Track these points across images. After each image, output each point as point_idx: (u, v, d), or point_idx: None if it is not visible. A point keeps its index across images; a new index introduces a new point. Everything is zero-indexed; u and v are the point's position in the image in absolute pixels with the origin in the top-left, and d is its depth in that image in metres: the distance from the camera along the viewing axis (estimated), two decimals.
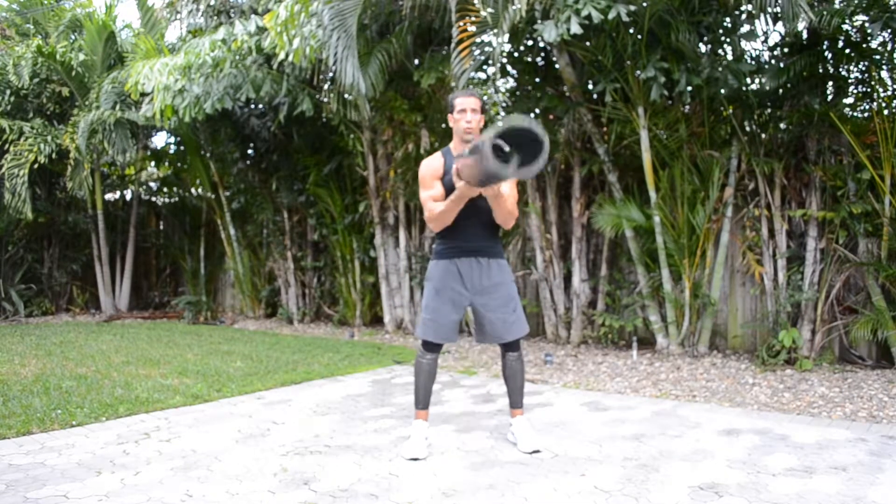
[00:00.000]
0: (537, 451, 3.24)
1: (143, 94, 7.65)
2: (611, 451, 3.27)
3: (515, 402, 3.42)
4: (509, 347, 3.35)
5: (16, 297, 10.17)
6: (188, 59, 6.65)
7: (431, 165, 3.25)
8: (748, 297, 6.06)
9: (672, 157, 5.86)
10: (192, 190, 11.22)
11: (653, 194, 5.77)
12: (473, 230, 3.23)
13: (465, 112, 3.17)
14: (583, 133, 6.47)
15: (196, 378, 5.10)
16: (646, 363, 5.65)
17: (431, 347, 3.29)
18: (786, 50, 5.65)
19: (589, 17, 4.51)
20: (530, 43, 6.56)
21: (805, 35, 5.42)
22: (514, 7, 4.70)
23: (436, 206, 3.14)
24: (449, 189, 3.15)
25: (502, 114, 7.93)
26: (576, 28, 4.50)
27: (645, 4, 5.06)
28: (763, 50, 5.91)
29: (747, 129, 5.78)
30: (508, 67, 6.94)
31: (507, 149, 2.36)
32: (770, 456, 3.17)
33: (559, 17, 4.62)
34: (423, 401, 3.34)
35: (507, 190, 3.17)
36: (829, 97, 5.57)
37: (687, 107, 5.95)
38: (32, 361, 5.82)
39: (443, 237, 3.28)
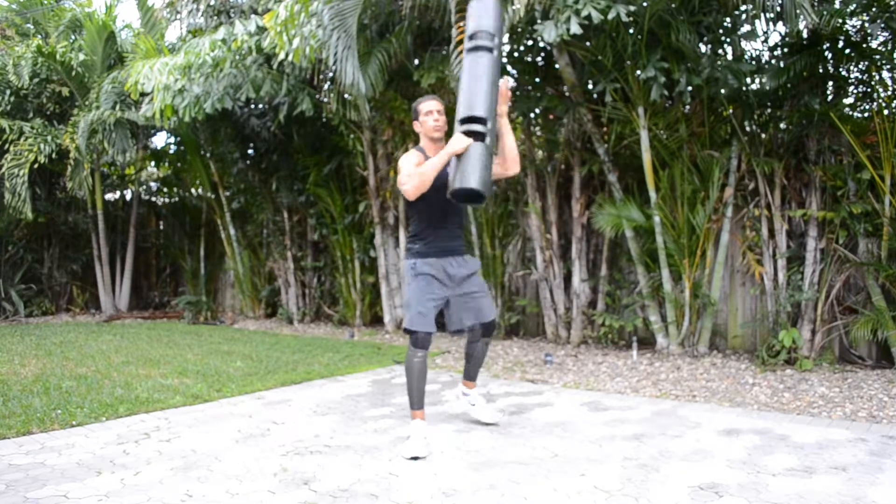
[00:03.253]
0: (496, 424, 3.73)
1: (143, 94, 7.65)
2: (611, 451, 3.27)
3: (474, 375, 3.83)
4: (487, 332, 3.68)
5: (16, 297, 10.18)
6: (188, 59, 6.65)
7: (414, 157, 3.43)
8: (748, 297, 6.06)
9: (672, 157, 5.86)
10: (192, 190, 11.22)
11: (653, 194, 5.77)
12: (451, 231, 3.50)
13: (431, 113, 3.45)
14: (583, 133, 6.47)
15: (196, 378, 5.10)
16: (646, 363, 5.65)
17: (420, 342, 3.37)
18: (786, 50, 5.65)
19: (589, 17, 4.51)
20: (530, 43, 6.55)
21: (805, 35, 5.41)
22: (513, 7, 4.70)
23: (419, 168, 3.31)
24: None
25: None
26: (576, 28, 4.50)
27: (645, 4, 5.05)
28: (763, 50, 5.91)
29: (747, 129, 5.78)
30: (508, 67, 6.93)
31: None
32: (770, 456, 3.17)
33: (559, 17, 4.62)
34: (418, 401, 3.41)
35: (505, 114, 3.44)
36: (829, 97, 5.57)
37: (687, 107, 5.95)
38: (32, 361, 5.82)
39: (423, 239, 3.47)
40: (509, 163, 3.49)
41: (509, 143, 3.46)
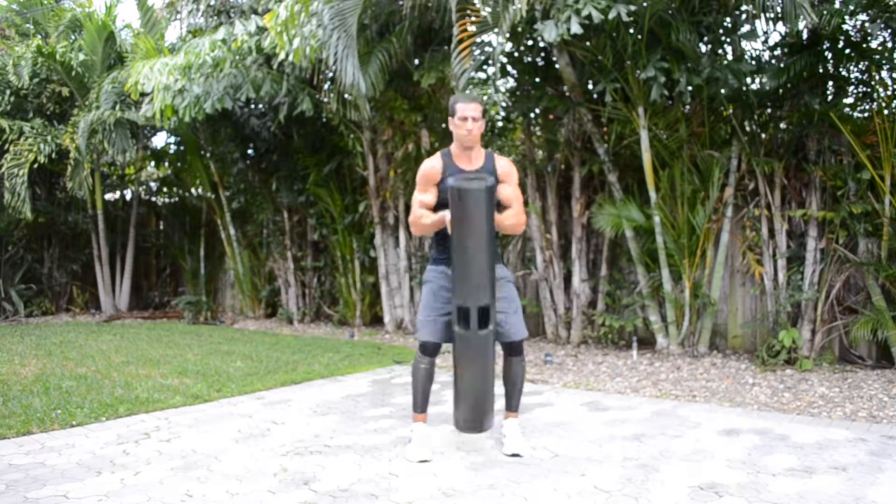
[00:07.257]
0: (517, 455, 3.19)
1: (143, 94, 7.65)
2: (611, 451, 3.27)
3: (511, 405, 3.38)
4: (513, 351, 3.27)
5: (16, 297, 10.17)
6: (188, 59, 6.65)
7: (430, 169, 3.24)
8: (748, 297, 6.05)
9: (672, 157, 5.86)
10: (192, 190, 11.21)
11: (653, 194, 5.77)
12: None
13: (465, 120, 3.15)
14: (583, 133, 6.47)
15: (196, 378, 5.10)
16: (646, 363, 5.65)
17: (428, 350, 3.23)
18: (786, 50, 5.65)
19: (589, 16, 4.51)
20: (530, 43, 6.55)
21: (805, 35, 5.41)
22: (514, 7, 4.70)
23: (421, 213, 3.21)
24: (442, 199, 3.17)
25: (502, 113, 7.96)
26: (576, 28, 4.50)
27: (645, 4, 5.05)
28: (763, 50, 5.91)
29: (747, 129, 5.78)
30: (508, 67, 6.93)
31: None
32: (770, 456, 3.17)
33: (559, 16, 4.62)
34: (421, 405, 3.31)
35: (510, 192, 3.20)
36: (829, 97, 5.57)
37: (687, 107, 5.95)
38: (32, 361, 5.82)
39: (439, 245, 3.32)
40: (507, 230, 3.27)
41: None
